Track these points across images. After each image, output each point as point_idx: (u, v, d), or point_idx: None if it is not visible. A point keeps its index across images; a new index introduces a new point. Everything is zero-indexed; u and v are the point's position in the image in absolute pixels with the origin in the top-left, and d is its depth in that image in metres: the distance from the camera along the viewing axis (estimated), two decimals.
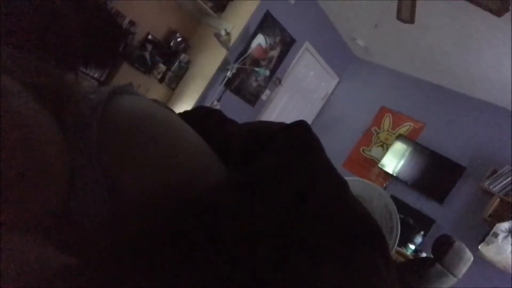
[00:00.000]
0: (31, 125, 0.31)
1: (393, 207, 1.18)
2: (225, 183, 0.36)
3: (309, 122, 5.42)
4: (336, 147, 4.96)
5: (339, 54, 5.21)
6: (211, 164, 0.39)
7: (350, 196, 0.36)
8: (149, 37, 3.79)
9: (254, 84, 4.43)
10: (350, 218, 0.33)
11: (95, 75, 3.42)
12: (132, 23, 3.60)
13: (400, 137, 4.71)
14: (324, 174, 0.37)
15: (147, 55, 3.75)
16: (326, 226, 0.32)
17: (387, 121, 4.98)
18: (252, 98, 4.50)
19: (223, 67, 4.00)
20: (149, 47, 3.78)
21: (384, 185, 4.70)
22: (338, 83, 5.48)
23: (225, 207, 0.33)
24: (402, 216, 3.75)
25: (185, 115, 0.50)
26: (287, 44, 4.50)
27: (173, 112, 0.44)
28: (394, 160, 4.61)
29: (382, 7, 3.58)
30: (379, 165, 4.70)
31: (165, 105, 0.44)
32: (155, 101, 0.43)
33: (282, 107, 5.04)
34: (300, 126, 0.40)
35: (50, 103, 0.34)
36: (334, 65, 5.25)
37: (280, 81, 4.65)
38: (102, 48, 0.44)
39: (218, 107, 4.04)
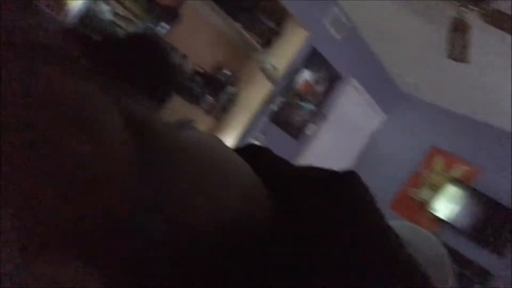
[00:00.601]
0: (118, 140, 0.32)
1: (447, 258, 1.06)
2: (272, 223, 0.37)
3: (354, 158, 5.27)
4: (382, 187, 4.74)
5: (386, 91, 5.09)
6: (263, 200, 0.40)
7: (403, 253, 0.35)
8: (198, 69, 3.92)
9: (299, 118, 4.41)
10: (404, 278, 0.32)
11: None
12: (184, 56, 3.76)
13: (453, 181, 4.42)
14: (376, 227, 0.35)
15: (195, 86, 3.87)
16: (376, 285, 0.31)
17: (438, 162, 4.71)
18: (297, 132, 4.47)
19: (268, 100, 4.03)
20: (198, 79, 3.90)
21: (435, 231, 4.38)
22: (385, 120, 5.33)
23: (270, 253, 0.33)
24: (457, 267, 3.45)
25: (237, 150, 0.51)
26: (333, 80, 4.47)
27: (228, 146, 0.46)
28: (446, 205, 4.32)
29: (433, 44, 3.48)
30: (430, 209, 4.41)
31: (220, 140, 0.47)
32: (211, 135, 0.45)
33: (327, 142, 4.95)
34: (351, 175, 0.39)
35: (131, 126, 0.35)
36: (381, 102, 5.13)
37: (325, 116, 4.60)
38: (159, 84, 0.49)
39: (263, 139, 4.05)
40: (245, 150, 0.49)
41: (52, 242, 0.30)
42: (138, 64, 0.47)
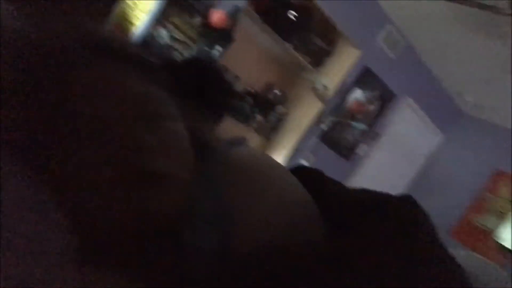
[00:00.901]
0: (181, 146, 0.36)
1: None
2: (324, 249, 0.36)
3: (410, 180, 5.03)
4: (441, 213, 4.44)
5: (444, 110, 4.85)
6: (315, 221, 0.39)
7: (466, 285, 0.33)
8: (249, 89, 4.00)
9: (350, 138, 4.31)
10: None
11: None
12: (236, 77, 3.86)
13: None
14: (436, 258, 0.33)
15: (245, 106, 3.94)
16: None
17: (504, 187, 4.36)
18: (348, 153, 4.37)
19: (318, 120, 4.00)
20: (248, 98, 3.98)
21: (501, 263, 4.02)
22: (443, 140, 5.05)
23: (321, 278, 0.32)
24: None
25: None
26: (386, 99, 4.35)
27: (282, 165, 0.46)
28: None
29: (494, 61, 3.28)
30: (494, 238, 4.06)
31: (272, 158, 0.48)
32: (265, 153, 0.46)
33: (380, 163, 4.78)
34: (408, 200, 0.38)
35: (192, 139, 0.39)
36: (439, 121, 4.88)
37: (378, 136, 4.46)
38: (214, 104, 0.53)
39: (312, 159, 4.00)
40: (295, 171, 0.49)
41: (108, 246, 0.31)
42: (194, 86, 0.50)
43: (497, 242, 4.02)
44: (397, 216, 0.36)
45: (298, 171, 0.50)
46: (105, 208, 0.31)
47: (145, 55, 0.39)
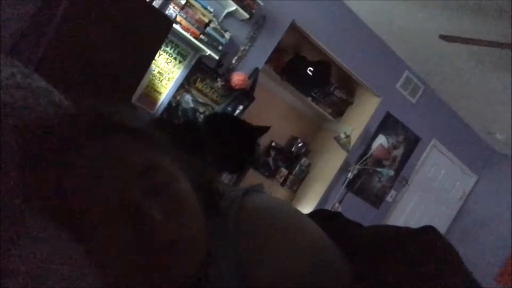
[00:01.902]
0: (188, 207, 0.37)
1: None
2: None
3: (446, 225, 4.81)
4: (484, 256, 4.20)
5: (474, 150, 4.73)
6: (338, 264, 0.39)
7: None
8: (273, 144, 4.08)
9: (378, 185, 4.24)
10: None
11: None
12: None
13: None
14: (461, 284, 0.33)
15: (270, 160, 3.99)
16: None
17: None
18: (376, 200, 4.27)
19: (344, 169, 3.98)
20: (273, 153, 4.04)
21: None
22: (477, 181, 4.87)
23: None
24: None
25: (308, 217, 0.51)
26: (412, 143, 4.31)
27: (298, 210, 0.47)
28: None
29: None
30: None
31: (290, 203, 0.48)
32: (281, 199, 0.47)
33: (411, 209, 4.63)
34: (430, 233, 0.37)
35: (202, 194, 0.40)
36: (470, 162, 4.75)
37: (407, 181, 4.37)
38: (240, 160, 0.55)
39: (339, 209, 3.93)
40: (315, 215, 0.49)
41: None
42: (216, 141, 0.53)
43: None
44: (421, 248, 0.36)
45: (317, 215, 0.50)
46: (129, 278, 0.33)
47: (152, 127, 0.43)
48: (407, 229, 0.39)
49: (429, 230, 0.38)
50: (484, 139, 4.71)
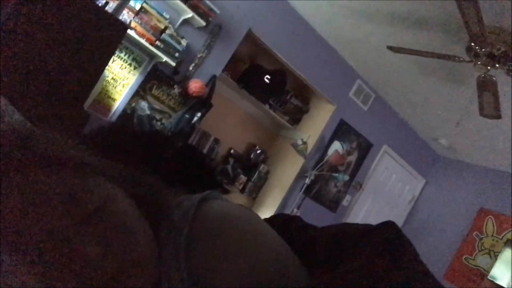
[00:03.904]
0: (130, 227, 0.36)
1: None
2: None
3: None
4: (433, 256, 4.43)
5: (421, 155, 5.01)
6: (293, 268, 0.39)
7: None
8: (231, 151, 4.08)
9: (334, 190, 4.36)
10: None
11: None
12: (216, 140, 3.94)
13: (509, 243, 4.08)
14: (419, 280, 0.33)
15: (229, 168, 3.99)
16: None
17: (490, 225, 4.41)
18: (333, 204, 4.39)
19: (301, 175, 4.06)
20: (231, 160, 4.04)
21: None
22: (425, 184, 5.16)
23: None
24: None
25: (266, 221, 0.50)
26: (365, 148, 4.48)
27: (257, 215, 0.46)
28: (507, 271, 3.94)
29: (462, 104, 3.49)
30: (489, 277, 4.03)
31: (249, 209, 0.47)
32: (240, 205, 0.46)
33: (366, 212, 4.80)
34: (388, 227, 0.38)
35: (146, 209, 0.38)
36: (418, 166, 5.02)
37: (360, 185, 4.53)
38: (193, 175, 0.52)
39: (298, 214, 3.98)
40: (274, 220, 0.50)
41: None
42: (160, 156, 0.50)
43: (492, 281, 3.98)
44: (379, 242, 0.36)
45: (276, 219, 0.51)
46: None
47: (85, 151, 0.40)
48: (365, 226, 0.40)
49: (387, 224, 0.38)
50: (429, 144, 5.00)
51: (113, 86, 3.01)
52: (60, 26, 2.10)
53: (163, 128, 3.19)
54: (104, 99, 2.99)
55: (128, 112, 3.08)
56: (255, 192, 4.19)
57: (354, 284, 0.33)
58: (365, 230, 0.39)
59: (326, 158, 4.14)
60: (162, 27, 2.96)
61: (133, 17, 2.84)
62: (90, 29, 2.22)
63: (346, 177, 4.12)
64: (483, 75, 2.58)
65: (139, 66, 3.07)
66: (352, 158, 4.41)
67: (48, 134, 0.39)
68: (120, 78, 3.01)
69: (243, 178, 4.09)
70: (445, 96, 3.66)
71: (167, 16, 3.00)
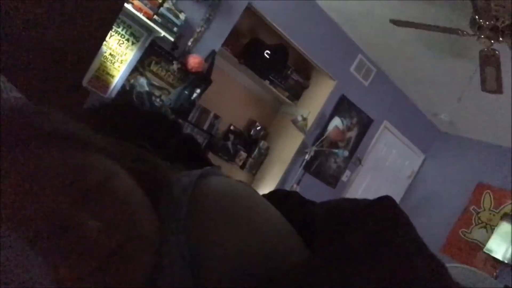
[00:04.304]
0: (130, 203, 0.35)
1: None
2: (306, 263, 0.35)
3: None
4: (430, 230, 4.48)
5: (421, 130, 5.01)
6: (292, 242, 0.39)
7: (449, 281, 0.33)
8: (232, 127, 4.07)
9: (334, 165, 4.38)
10: None
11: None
12: (216, 117, 3.93)
13: (505, 217, 4.14)
14: (415, 254, 0.34)
15: (229, 144, 3.99)
16: None
17: (487, 199, 4.46)
18: (332, 180, 4.42)
19: (301, 151, 4.07)
20: (231, 137, 4.03)
21: (495, 273, 4.05)
22: (425, 160, 5.18)
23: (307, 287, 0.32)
24: None
25: (265, 197, 0.51)
26: (365, 124, 4.48)
27: (256, 191, 0.46)
28: (502, 244, 4.01)
29: (464, 80, 3.46)
30: (485, 250, 4.11)
31: (249, 185, 0.47)
32: (239, 181, 0.46)
33: (365, 187, 4.84)
34: (385, 201, 0.38)
35: (147, 185, 0.38)
36: (418, 142, 5.03)
37: (360, 161, 4.55)
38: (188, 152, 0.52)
39: (298, 190, 4.02)
40: (272, 196, 0.50)
41: None
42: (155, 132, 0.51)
43: (488, 254, 4.06)
44: (376, 216, 0.37)
45: (275, 195, 0.51)
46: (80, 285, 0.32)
47: (85, 128, 0.40)
48: (363, 200, 0.40)
49: (384, 199, 0.38)
50: (430, 120, 4.99)
51: (111, 62, 2.96)
52: None
53: (163, 105, 3.17)
54: (103, 76, 2.96)
55: (127, 89, 3.05)
56: (255, 168, 4.21)
57: (353, 257, 0.33)
58: (363, 204, 0.39)
59: (326, 134, 4.13)
60: (160, 1, 2.89)
61: None
62: (87, 2, 2.17)
63: (346, 153, 4.13)
64: (486, 49, 2.54)
65: (137, 41, 3.02)
66: (352, 134, 4.41)
67: (47, 110, 0.38)
68: (118, 54, 2.96)
69: (243, 154, 4.10)
70: (447, 71, 3.63)
71: None
